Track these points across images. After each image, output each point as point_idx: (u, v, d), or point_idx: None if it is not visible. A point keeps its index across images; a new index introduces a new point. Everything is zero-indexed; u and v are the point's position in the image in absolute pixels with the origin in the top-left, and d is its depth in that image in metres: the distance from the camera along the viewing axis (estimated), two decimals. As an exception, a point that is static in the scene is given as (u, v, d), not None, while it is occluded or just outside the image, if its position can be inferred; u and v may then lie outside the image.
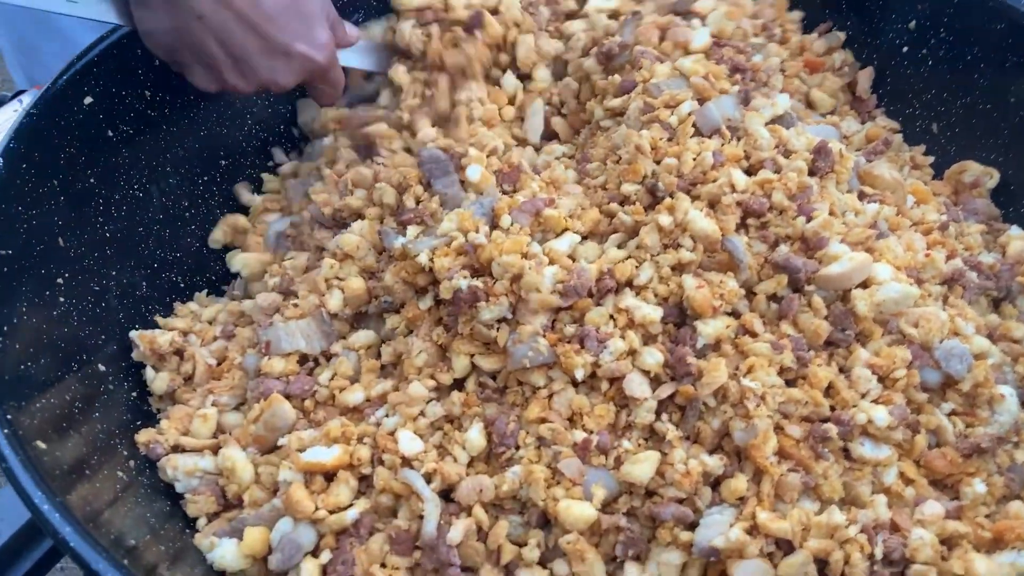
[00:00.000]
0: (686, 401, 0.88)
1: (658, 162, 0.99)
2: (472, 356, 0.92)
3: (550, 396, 0.90)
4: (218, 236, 1.22)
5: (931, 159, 1.26)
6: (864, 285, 0.93)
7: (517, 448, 0.88)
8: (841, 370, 0.91)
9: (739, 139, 1.03)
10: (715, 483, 0.87)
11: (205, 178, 1.24)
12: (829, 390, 0.90)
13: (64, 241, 1.01)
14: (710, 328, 0.90)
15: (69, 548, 0.75)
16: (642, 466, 0.85)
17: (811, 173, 1.02)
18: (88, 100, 1.07)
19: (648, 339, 0.91)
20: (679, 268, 0.93)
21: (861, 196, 1.07)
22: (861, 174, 1.09)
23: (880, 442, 0.88)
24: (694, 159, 0.97)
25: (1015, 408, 0.92)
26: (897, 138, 1.28)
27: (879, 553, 0.82)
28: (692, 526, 0.84)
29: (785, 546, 0.83)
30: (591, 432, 0.88)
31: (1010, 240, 1.11)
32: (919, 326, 0.92)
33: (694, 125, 1.02)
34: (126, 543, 0.81)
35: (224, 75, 1.01)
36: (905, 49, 1.30)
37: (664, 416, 0.89)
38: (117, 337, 1.04)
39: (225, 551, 0.87)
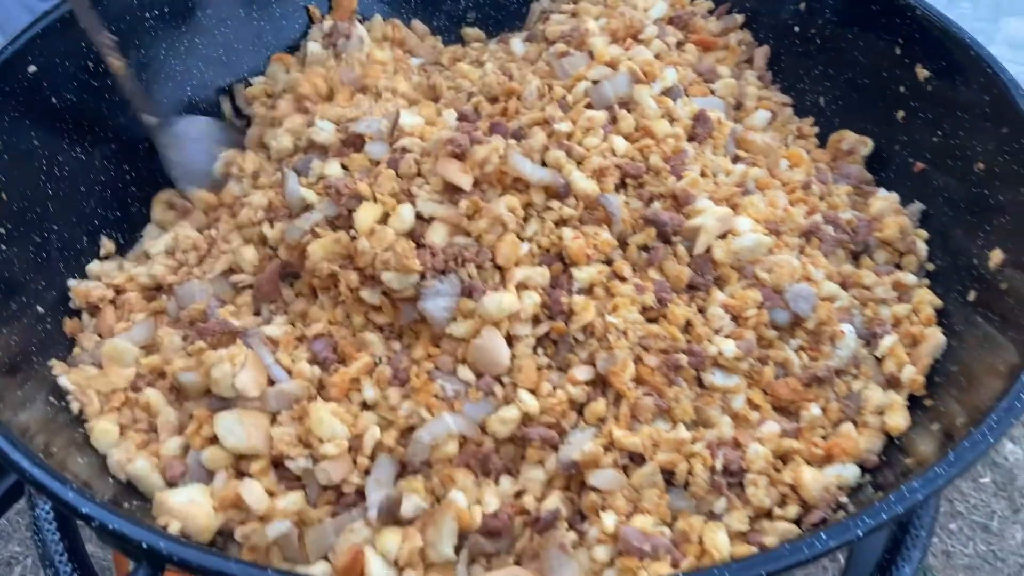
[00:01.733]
0: (559, 336, 1.00)
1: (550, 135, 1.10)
2: (367, 313, 1.03)
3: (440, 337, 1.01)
4: (158, 216, 1.31)
5: (817, 129, 1.38)
6: (725, 236, 1.05)
7: (408, 381, 0.99)
8: (701, 310, 1.03)
9: (630, 110, 1.14)
10: (581, 409, 0.98)
11: (145, 144, 1.33)
12: (688, 327, 1.01)
13: (7, 195, 1.10)
14: (584, 274, 1.01)
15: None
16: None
17: (691, 139, 1.14)
18: (32, 69, 1.17)
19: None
20: (561, 222, 1.04)
21: (736, 159, 1.19)
22: (738, 139, 1.21)
23: (729, 372, 0.99)
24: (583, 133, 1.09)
25: (853, 344, 1.04)
26: (788, 111, 1.39)
27: (719, 465, 0.93)
28: (557, 448, 0.95)
29: (638, 459, 0.94)
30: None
31: (875, 201, 1.23)
32: (772, 272, 1.04)
33: (588, 105, 1.14)
34: (49, 451, 0.91)
35: None
36: (796, 29, 1.42)
37: (539, 350, 1.00)
38: (57, 284, 1.14)
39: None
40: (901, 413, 1.01)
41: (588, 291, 1.02)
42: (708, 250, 1.03)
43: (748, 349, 0.99)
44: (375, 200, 1.01)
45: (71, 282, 1.15)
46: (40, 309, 1.09)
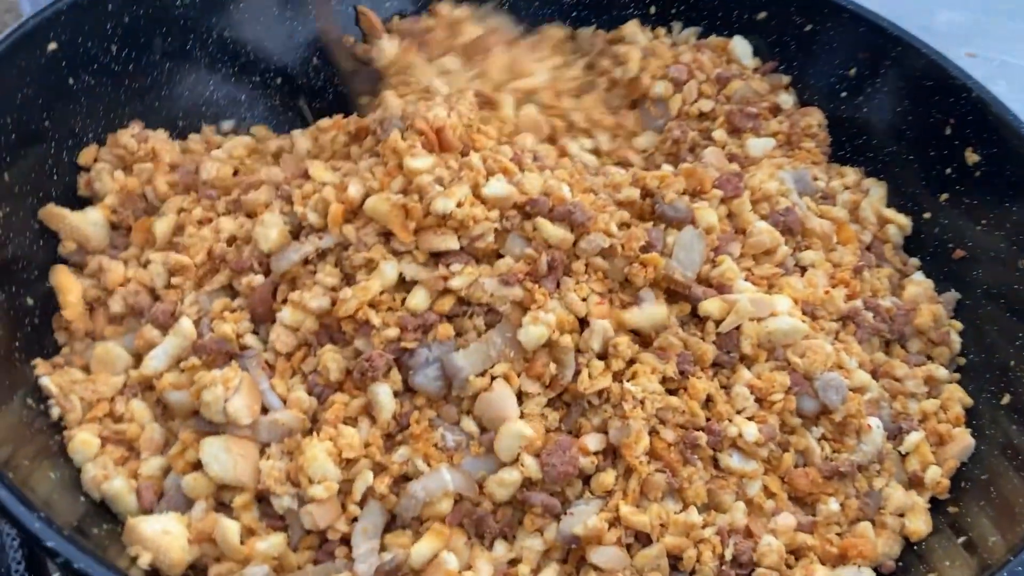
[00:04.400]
0: (572, 399, 0.94)
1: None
2: None
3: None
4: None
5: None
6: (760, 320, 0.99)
7: (408, 426, 0.93)
8: (724, 387, 0.97)
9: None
10: (587, 478, 0.92)
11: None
12: (709, 403, 0.95)
13: (9, 176, 1.05)
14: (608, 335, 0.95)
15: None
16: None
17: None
18: (52, 47, 1.11)
19: None
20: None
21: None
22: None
23: (748, 456, 0.94)
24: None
25: (879, 440, 0.98)
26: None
27: (729, 554, 0.88)
28: (559, 517, 0.90)
29: (644, 539, 0.89)
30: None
31: (910, 286, 1.18)
32: (805, 356, 0.98)
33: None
34: (13, 464, 0.85)
35: None
36: (843, 94, 1.37)
37: (548, 409, 0.94)
38: (48, 275, 1.08)
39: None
40: (923, 517, 0.96)
41: (606, 355, 0.96)
42: (738, 328, 0.97)
43: (770, 435, 0.93)
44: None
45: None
46: (30, 301, 1.03)
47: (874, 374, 1.06)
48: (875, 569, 0.92)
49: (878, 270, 1.19)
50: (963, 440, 1.02)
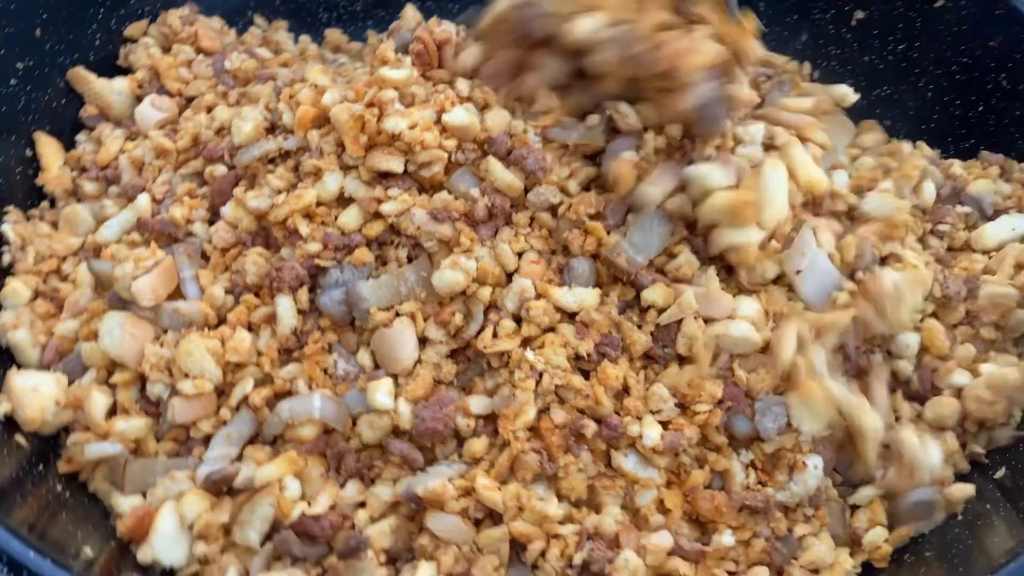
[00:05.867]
0: (474, 356, 0.87)
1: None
2: None
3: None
4: None
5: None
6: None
7: (304, 345, 0.90)
8: (650, 381, 0.86)
9: None
10: (463, 440, 0.86)
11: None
12: (624, 394, 0.85)
13: (41, 32, 1.09)
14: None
15: None
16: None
17: None
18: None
19: None
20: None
21: None
22: None
23: (647, 461, 0.83)
24: None
25: (813, 483, 0.84)
26: None
27: (579, 559, 0.79)
28: (416, 472, 0.84)
29: (497, 518, 0.82)
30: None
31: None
32: (756, 372, 0.85)
33: None
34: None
35: None
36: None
37: (448, 360, 0.88)
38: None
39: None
40: (840, 581, 0.82)
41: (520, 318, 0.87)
42: (679, 323, 0.86)
43: (673, 444, 0.82)
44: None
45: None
46: (28, 153, 1.08)
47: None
48: (756, 623, 0.80)
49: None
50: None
